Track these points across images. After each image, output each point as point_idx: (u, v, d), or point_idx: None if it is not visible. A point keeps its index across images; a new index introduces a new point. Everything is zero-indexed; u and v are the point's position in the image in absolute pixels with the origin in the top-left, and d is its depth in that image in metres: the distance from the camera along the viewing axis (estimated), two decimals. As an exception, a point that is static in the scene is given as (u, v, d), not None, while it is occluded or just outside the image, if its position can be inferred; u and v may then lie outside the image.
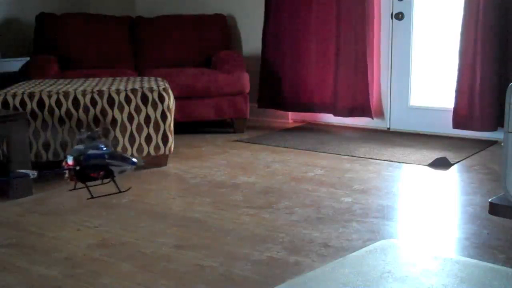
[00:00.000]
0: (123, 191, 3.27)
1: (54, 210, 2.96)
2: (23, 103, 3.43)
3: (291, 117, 5.28)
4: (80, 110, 3.49)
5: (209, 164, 3.81)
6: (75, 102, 3.49)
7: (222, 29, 5.34)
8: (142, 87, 3.61)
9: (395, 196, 3.11)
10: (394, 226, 2.67)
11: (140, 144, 3.59)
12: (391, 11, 4.71)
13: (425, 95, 4.70)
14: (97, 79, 4.10)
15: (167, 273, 2.19)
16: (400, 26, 4.68)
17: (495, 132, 4.23)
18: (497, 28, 4.13)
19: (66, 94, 3.50)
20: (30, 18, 5.12)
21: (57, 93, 3.49)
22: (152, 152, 3.62)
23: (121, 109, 3.54)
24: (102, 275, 2.19)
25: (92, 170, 2.92)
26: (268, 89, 5.11)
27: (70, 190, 3.21)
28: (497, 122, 4.18)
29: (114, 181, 3.25)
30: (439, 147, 4.13)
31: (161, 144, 3.63)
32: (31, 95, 3.46)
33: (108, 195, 3.09)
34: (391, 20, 4.72)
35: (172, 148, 3.70)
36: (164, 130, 3.62)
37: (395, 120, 4.80)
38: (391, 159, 3.85)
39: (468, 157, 3.88)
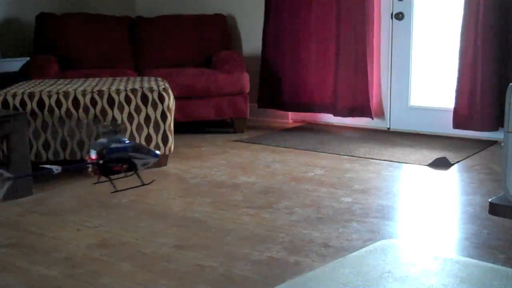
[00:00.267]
0: (147, 184, 3.30)
1: (54, 210, 2.96)
2: (23, 103, 3.43)
3: (291, 117, 5.28)
4: (80, 110, 3.49)
5: (209, 164, 3.81)
6: (75, 102, 3.49)
7: (222, 29, 5.34)
8: (142, 87, 3.62)
9: (395, 196, 3.11)
10: (394, 226, 2.67)
11: (140, 144, 3.59)
12: (391, 11, 4.71)
13: (425, 95, 4.70)
14: (97, 79, 4.10)
15: (167, 273, 2.19)
16: (400, 26, 4.68)
17: (495, 132, 4.23)
18: (497, 28, 4.13)
19: (66, 94, 3.50)
20: (30, 18, 5.12)
21: (57, 93, 3.49)
22: (152, 152, 3.62)
23: (121, 109, 3.54)
24: (102, 275, 2.19)
25: (115, 163, 2.95)
26: (268, 89, 5.11)
27: (94, 183, 3.24)
28: (497, 122, 4.18)
29: (137, 174, 3.28)
30: (439, 147, 4.13)
31: (161, 144, 3.63)
32: (31, 95, 3.46)
33: (132, 188, 3.11)
34: (391, 20, 4.71)
35: (172, 148, 3.70)
36: (164, 130, 3.62)
37: (395, 120, 4.80)
38: (391, 159, 3.85)
39: (468, 157, 3.88)
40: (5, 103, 3.42)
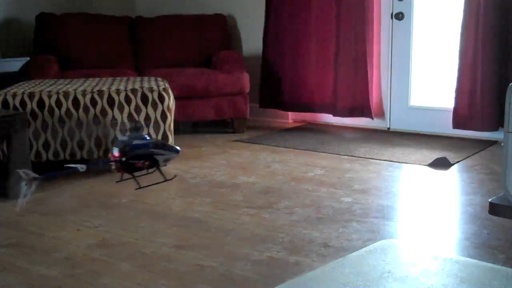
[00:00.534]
0: (169, 179, 3.33)
1: (54, 210, 2.96)
2: (23, 103, 3.43)
3: (291, 117, 5.28)
4: (80, 110, 3.49)
5: (209, 164, 3.81)
6: (75, 102, 3.49)
7: (222, 29, 5.34)
8: (142, 87, 3.62)
9: (395, 196, 3.11)
10: (394, 226, 2.67)
11: (140, 144, 3.59)
12: (391, 11, 4.71)
13: (425, 95, 4.70)
14: (97, 79, 4.10)
15: (167, 273, 2.19)
16: (400, 26, 4.68)
17: (495, 132, 4.23)
18: (497, 28, 4.13)
19: (66, 94, 3.50)
20: (30, 18, 5.12)
21: (57, 93, 3.49)
22: (152, 152, 3.62)
23: (121, 109, 3.54)
24: (102, 275, 2.19)
25: (137, 160, 2.97)
26: (268, 89, 5.11)
27: (117, 181, 3.25)
28: (497, 122, 4.18)
29: (160, 170, 3.30)
30: (439, 147, 4.13)
31: (161, 144, 3.63)
32: (31, 95, 3.46)
33: (155, 184, 3.13)
34: (391, 20, 4.71)
35: (172, 148, 3.70)
36: (164, 130, 3.62)
37: (395, 120, 4.80)
38: (391, 159, 3.85)
39: (468, 157, 3.88)
40: (5, 103, 3.42)
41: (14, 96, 3.44)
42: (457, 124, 4.35)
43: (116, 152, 3.12)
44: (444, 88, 4.55)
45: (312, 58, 4.92)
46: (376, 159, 3.86)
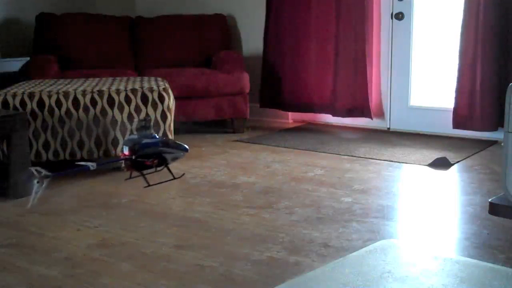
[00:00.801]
0: (178, 178, 3.34)
1: (54, 210, 2.95)
2: (23, 103, 3.43)
3: (291, 117, 5.28)
4: (80, 110, 3.49)
5: (209, 164, 3.81)
6: (75, 102, 3.49)
7: (222, 29, 5.34)
8: (142, 87, 3.62)
9: (395, 196, 3.11)
10: (394, 226, 2.67)
11: (140, 144, 3.58)
12: (391, 11, 4.71)
13: (425, 95, 4.70)
14: (97, 79, 4.10)
15: (167, 273, 2.19)
16: (400, 26, 4.68)
17: (495, 132, 4.23)
18: (497, 28, 4.13)
19: (66, 94, 3.50)
20: (30, 18, 5.12)
21: (57, 93, 3.49)
22: (152, 152, 3.62)
23: (121, 109, 3.54)
24: (102, 275, 2.19)
25: (146, 158, 2.98)
26: (268, 89, 5.11)
27: (126, 179, 3.27)
28: (497, 122, 4.18)
29: (168, 168, 3.31)
30: (439, 147, 4.13)
31: (161, 144, 3.63)
32: (31, 95, 3.46)
33: (164, 182, 3.13)
34: (391, 20, 4.71)
35: (172, 148, 3.70)
36: (164, 130, 3.62)
37: (395, 120, 4.80)
38: (391, 159, 3.85)
39: (468, 157, 3.88)
40: (5, 103, 3.42)
41: (14, 96, 3.44)
42: (457, 124, 4.35)
43: (126, 151, 3.15)
44: (444, 88, 4.55)
45: (312, 58, 4.92)
46: (376, 159, 3.86)
